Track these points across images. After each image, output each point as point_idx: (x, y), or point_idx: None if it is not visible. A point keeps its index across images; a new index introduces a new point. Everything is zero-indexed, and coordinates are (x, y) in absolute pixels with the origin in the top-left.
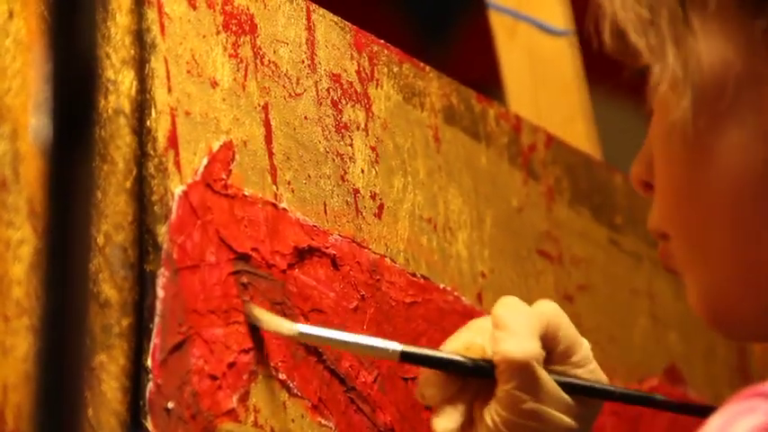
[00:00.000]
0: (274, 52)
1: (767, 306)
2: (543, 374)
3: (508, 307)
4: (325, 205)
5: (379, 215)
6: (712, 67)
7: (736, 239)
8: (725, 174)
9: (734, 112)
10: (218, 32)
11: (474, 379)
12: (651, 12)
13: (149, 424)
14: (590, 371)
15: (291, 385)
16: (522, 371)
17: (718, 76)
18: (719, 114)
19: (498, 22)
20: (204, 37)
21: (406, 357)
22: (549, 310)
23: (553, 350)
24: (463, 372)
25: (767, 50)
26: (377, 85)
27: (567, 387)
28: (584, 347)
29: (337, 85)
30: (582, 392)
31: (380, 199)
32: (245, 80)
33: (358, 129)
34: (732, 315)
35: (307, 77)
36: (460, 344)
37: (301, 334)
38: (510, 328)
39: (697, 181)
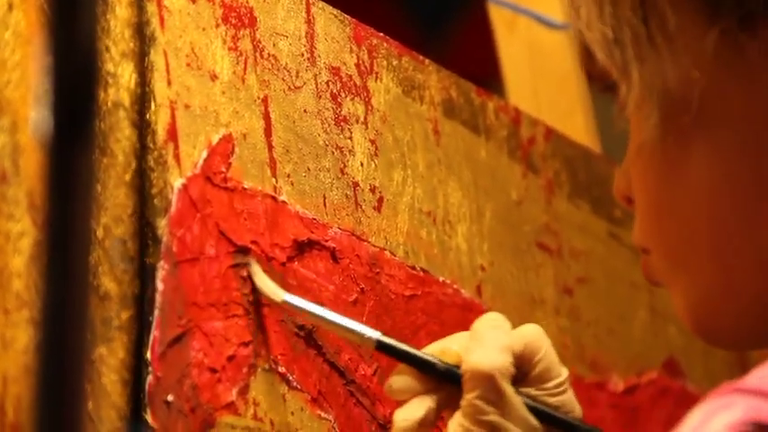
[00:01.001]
0: (274, 45)
1: (748, 313)
2: (508, 389)
3: (487, 322)
4: (324, 198)
5: (378, 208)
6: (677, 85)
7: (713, 251)
8: (697, 188)
9: (700, 127)
10: (217, 25)
11: (445, 386)
12: (614, 31)
13: (149, 417)
14: (562, 401)
15: (291, 378)
16: (486, 381)
17: (683, 93)
18: (686, 131)
19: (498, 16)
20: (204, 30)
21: (380, 347)
22: (529, 333)
23: (528, 373)
24: (432, 372)
25: (727, 64)
26: (376, 78)
27: (532, 411)
28: (561, 376)
29: (337, 78)
30: (545, 419)
31: (380, 192)
32: (245, 73)
33: (357, 122)
34: (716, 324)
35: (306, 70)
36: (438, 348)
37: (285, 302)
38: (482, 341)
39: (671, 197)
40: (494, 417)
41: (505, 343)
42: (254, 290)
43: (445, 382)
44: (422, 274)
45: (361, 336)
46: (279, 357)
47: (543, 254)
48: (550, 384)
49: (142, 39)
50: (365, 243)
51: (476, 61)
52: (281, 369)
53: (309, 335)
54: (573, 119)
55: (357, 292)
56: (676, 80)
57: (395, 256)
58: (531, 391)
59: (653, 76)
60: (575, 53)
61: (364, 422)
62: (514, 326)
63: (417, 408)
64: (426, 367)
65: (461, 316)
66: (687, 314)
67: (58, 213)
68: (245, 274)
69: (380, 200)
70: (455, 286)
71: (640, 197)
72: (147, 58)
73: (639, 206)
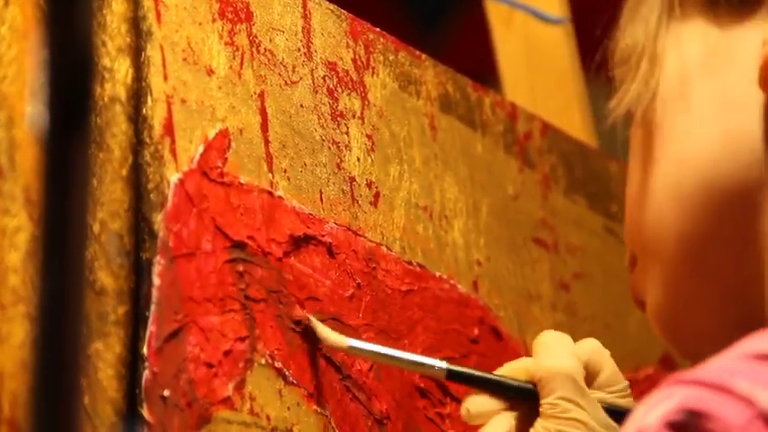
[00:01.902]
0: (270, 40)
1: (723, 323)
2: (585, 388)
3: (550, 335)
4: (321, 193)
5: (375, 203)
6: (671, 71)
7: (682, 241)
8: (672, 162)
9: (684, 105)
10: (214, 20)
11: (518, 405)
12: (644, 34)
13: (145, 412)
14: (630, 402)
15: (287, 373)
16: (565, 381)
17: (674, 77)
18: (664, 121)
19: (494, 11)
20: (200, 25)
21: (451, 375)
22: (591, 344)
23: (595, 378)
24: (505, 391)
25: (695, 54)
26: (373, 73)
27: (606, 412)
28: (625, 382)
29: (333, 73)
30: (619, 420)
31: (376, 187)
32: (241, 68)
33: (354, 117)
34: (685, 331)
35: (303, 65)
36: (507, 368)
37: (351, 347)
38: (550, 350)
39: (648, 186)
40: (578, 413)
41: (573, 351)
42: (317, 342)
43: (518, 399)
44: (418, 269)
45: (430, 367)
46: (275, 352)
47: (539, 249)
48: (619, 387)
49: (138, 34)
50: (362, 238)
51: (472, 57)
52: (278, 364)
53: (305, 330)
54: (569, 114)
55: (353, 288)
56: (671, 66)
57: (391, 251)
58: (601, 395)
59: (652, 70)
60: (572, 48)
61: (360, 417)
62: (513, 322)
63: (499, 425)
64: (498, 387)
65: (458, 311)
66: (654, 318)
67: (54, 208)
68: (241, 269)
69: (377, 195)
70: (452, 281)
71: (627, 201)
72: (143, 53)
73: (627, 211)
